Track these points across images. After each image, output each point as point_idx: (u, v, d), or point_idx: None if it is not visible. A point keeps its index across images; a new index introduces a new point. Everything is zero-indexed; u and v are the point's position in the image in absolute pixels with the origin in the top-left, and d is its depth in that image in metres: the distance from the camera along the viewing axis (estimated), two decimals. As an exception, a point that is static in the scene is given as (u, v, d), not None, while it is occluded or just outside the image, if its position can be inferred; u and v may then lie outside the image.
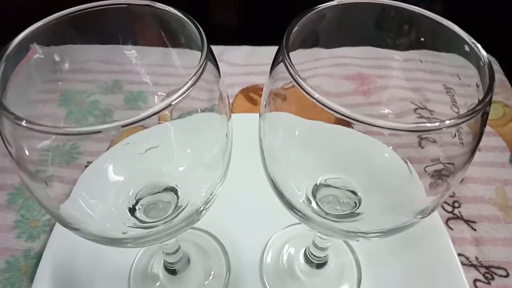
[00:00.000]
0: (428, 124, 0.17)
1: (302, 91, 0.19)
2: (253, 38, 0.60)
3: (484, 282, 0.36)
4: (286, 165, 0.27)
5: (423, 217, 0.24)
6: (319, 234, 0.32)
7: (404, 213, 0.25)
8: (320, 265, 0.35)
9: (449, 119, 0.17)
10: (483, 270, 0.36)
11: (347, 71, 0.35)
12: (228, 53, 0.57)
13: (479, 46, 0.20)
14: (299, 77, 0.19)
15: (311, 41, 0.26)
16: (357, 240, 0.28)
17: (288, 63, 0.19)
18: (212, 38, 0.22)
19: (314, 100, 0.18)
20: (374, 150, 0.28)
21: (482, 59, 0.19)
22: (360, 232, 0.25)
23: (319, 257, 0.35)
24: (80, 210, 0.24)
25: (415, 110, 0.34)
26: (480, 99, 0.19)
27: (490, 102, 0.18)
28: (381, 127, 0.17)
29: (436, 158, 0.24)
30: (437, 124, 0.17)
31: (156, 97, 0.31)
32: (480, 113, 0.18)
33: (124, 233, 0.25)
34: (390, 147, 0.28)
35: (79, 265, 0.35)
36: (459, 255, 0.36)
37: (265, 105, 0.25)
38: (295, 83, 0.19)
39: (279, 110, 0.25)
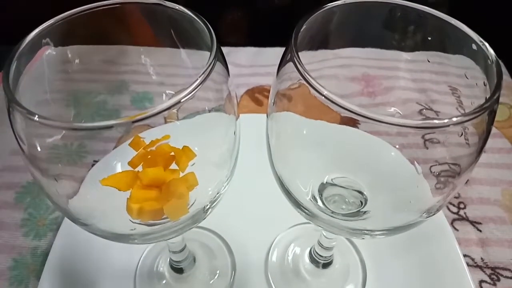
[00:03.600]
0: (436, 121, 0.17)
1: (310, 88, 0.19)
2: (258, 39, 0.61)
3: (489, 283, 0.36)
4: (293, 164, 0.28)
5: (429, 216, 0.24)
6: (324, 234, 0.32)
7: (410, 212, 0.25)
8: (325, 265, 0.35)
9: (457, 116, 0.17)
10: (488, 271, 0.36)
11: (353, 72, 0.35)
12: (234, 54, 0.58)
13: (486, 44, 0.20)
14: (308, 74, 0.19)
15: (318, 40, 0.26)
16: (363, 238, 0.28)
17: (297, 60, 0.20)
18: (217, 39, 0.22)
19: (323, 97, 0.18)
20: (380, 150, 0.28)
21: (490, 57, 0.20)
22: (366, 230, 0.25)
23: (325, 256, 0.35)
24: (88, 206, 0.25)
25: (420, 111, 0.34)
26: (487, 97, 0.19)
27: (497, 100, 0.18)
28: (388, 124, 0.17)
29: (442, 159, 0.24)
30: (445, 120, 0.17)
31: (164, 97, 0.32)
32: (488, 111, 0.18)
33: (131, 229, 0.25)
34: (396, 147, 0.28)
35: (85, 263, 0.35)
36: (464, 256, 0.36)
37: (272, 105, 0.25)
38: (303, 81, 0.19)
39: (286, 110, 0.25)
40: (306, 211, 0.25)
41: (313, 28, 0.23)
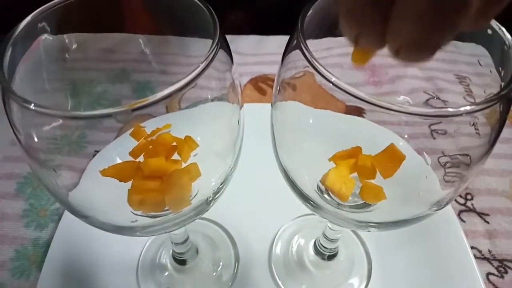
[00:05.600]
0: (450, 109, 0.16)
1: (317, 75, 0.18)
2: (261, 28, 0.59)
3: (497, 275, 0.35)
4: (298, 154, 0.27)
5: (438, 209, 0.24)
6: (329, 225, 0.32)
7: (418, 204, 0.25)
8: (330, 257, 0.35)
9: (471, 105, 0.16)
10: (496, 263, 0.36)
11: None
12: (237, 43, 0.57)
13: (503, 29, 0.19)
14: (315, 60, 0.18)
15: (324, 27, 0.25)
16: (369, 231, 0.28)
17: (304, 46, 0.19)
18: (221, 27, 0.21)
19: (330, 85, 0.17)
20: (387, 140, 0.28)
21: (507, 42, 0.19)
22: (372, 223, 0.24)
23: (330, 248, 0.34)
24: (89, 198, 0.24)
25: (427, 100, 0.33)
26: (502, 85, 0.18)
27: (515, 87, 0.18)
28: (399, 112, 0.17)
29: (451, 150, 0.23)
30: (461, 109, 0.16)
31: (166, 86, 0.31)
32: (505, 99, 0.17)
33: (133, 221, 0.24)
34: (405, 136, 0.27)
35: (87, 255, 0.35)
36: (471, 248, 0.35)
37: (277, 94, 0.24)
38: (310, 68, 0.18)
39: (291, 99, 0.24)
40: (312, 203, 0.24)
41: (319, 14, 0.22)
